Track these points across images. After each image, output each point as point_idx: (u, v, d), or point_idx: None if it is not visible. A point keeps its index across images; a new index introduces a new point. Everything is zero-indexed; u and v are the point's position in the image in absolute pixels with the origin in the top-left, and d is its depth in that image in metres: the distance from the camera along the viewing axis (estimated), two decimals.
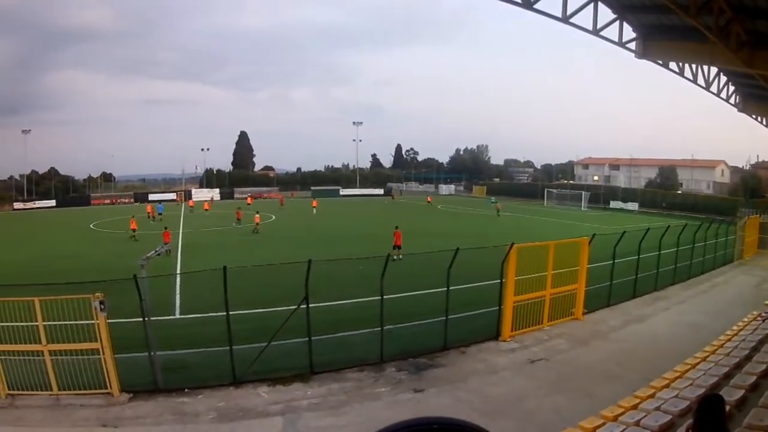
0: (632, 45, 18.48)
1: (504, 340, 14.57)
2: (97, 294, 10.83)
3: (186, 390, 11.46)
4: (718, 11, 13.74)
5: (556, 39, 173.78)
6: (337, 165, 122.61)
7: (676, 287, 21.45)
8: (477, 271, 17.57)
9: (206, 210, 57.40)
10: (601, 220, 46.91)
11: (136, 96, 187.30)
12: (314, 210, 56.38)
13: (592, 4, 16.29)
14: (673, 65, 20.64)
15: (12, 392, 11.04)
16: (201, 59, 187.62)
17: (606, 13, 17.10)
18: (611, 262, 18.64)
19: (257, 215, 40.32)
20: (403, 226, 28.45)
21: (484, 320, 15.30)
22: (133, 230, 36.85)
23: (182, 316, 17.12)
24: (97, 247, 34.57)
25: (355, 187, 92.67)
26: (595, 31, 16.80)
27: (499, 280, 15.12)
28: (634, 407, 7.28)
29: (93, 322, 11.00)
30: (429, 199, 73.79)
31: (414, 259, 15.94)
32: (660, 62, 19.90)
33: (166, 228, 33.11)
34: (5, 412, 10.66)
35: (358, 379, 12.20)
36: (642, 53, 18.51)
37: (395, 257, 22.97)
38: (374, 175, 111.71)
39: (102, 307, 10.82)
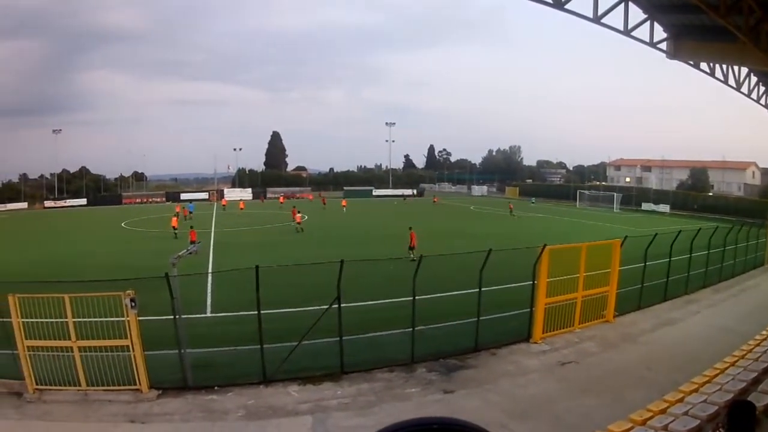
0: (663, 45, 18.27)
1: (535, 342, 14.49)
2: (128, 291, 10.89)
3: (215, 388, 11.53)
4: (747, 11, 13.57)
5: (588, 39, 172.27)
6: (370, 165, 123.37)
7: (707, 290, 21.09)
8: (509, 272, 17.45)
9: (241, 209, 57.84)
10: (633, 222, 46.53)
11: (167, 96, 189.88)
12: (344, 209, 56.99)
13: (622, 4, 16.20)
14: (703, 66, 20.37)
15: (40, 387, 11.17)
16: (232, 60, 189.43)
17: (636, 14, 16.94)
18: (642, 264, 18.41)
19: (299, 214, 40.97)
20: (432, 227, 28.36)
21: (516, 322, 15.21)
22: (174, 228, 37.76)
23: (213, 315, 17.25)
24: (129, 245, 35.02)
25: (388, 188, 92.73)
26: (626, 32, 16.67)
27: (529, 282, 15.01)
28: (663, 411, 7.23)
29: (123, 319, 11.06)
30: (435, 200, 74.26)
31: (446, 261, 15.80)
32: (691, 63, 19.64)
33: (192, 227, 33.50)
34: (33, 407, 10.84)
35: (388, 379, 12.18)
36: (673, 54, 18.31)
37: (412, 258, 22.96)
38: (407, 175, 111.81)
39: (133, 304, 10.89)
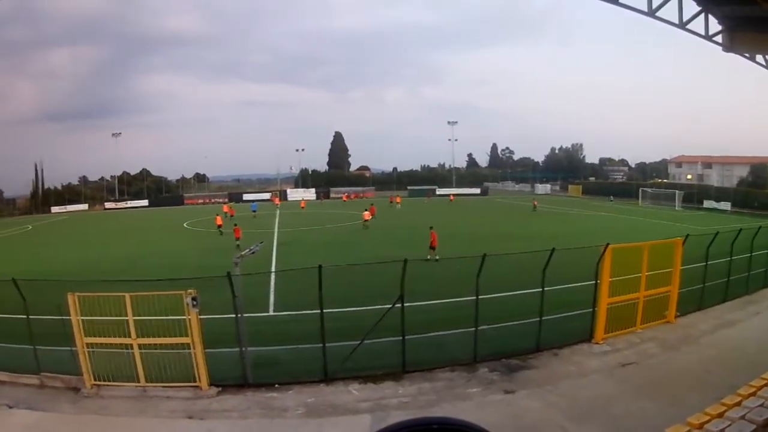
0: (719, 38, 17.85)
1: (597, 343, 14.35)
2: (189, 291, 11.02)
3: (276, 385, 11.69)
4: None
5: (646, 34, 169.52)
6: (433, 165, 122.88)
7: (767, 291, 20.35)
8: (571, 271, 17.28)
9: (302, 208, 59.00)
10: (694, 220, 45.71)
11: (229, 98, 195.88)
12: (398, 206, 58.54)
13: None
14: (759, 58, 19.80)
15: (97, 383, 11.37)
16: (293, 61, 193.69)
17: (691, 6, 16.64)
18: (704, 264, 18.03)
19: (366, 212, 42.49)
20: (495, 228, 28.03)
21: (578, 322, 15.07)
22: (219, 226, 40.13)
23: (276, 313, 17.49)
24: (191, 244, 35.99)
25: (452, 187, 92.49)
26: (681, 25, 16.38)
27: (591, 282, 14.87)
28: (720, 415, 7.12)
29: (184, 317, 11.17)
30: (452, 198, 75.07)
31: (509, 260, 15.67)
32: (746, 55, 19.13)
33: (236, 225, 34.01)
34: (90, 401, 11.11)
35: (449, 378, 12.18)
36: (729, 46, 17.91)
37: (435, 258, 22.81)
38: (470, 174, 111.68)
39: (194, 303, 11.02)
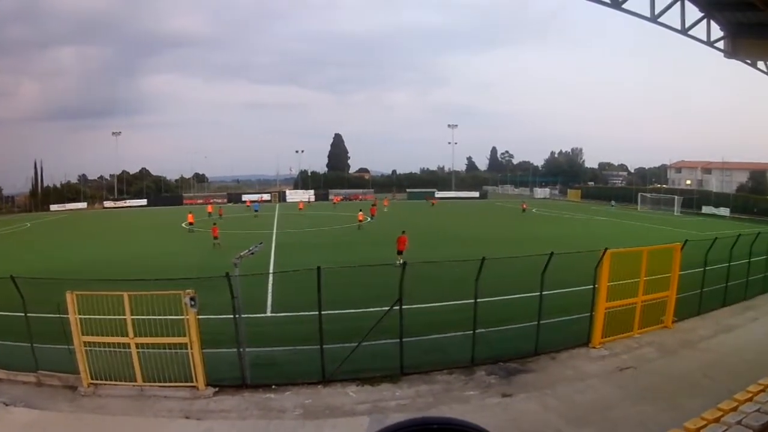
0: (721, 44, 17.88)
1: (594, 347, 14.37)
2: (187, 291, 11.02)
3: (273, 386, 11.69)
4: None
5: (648, 39, 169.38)
6: (433, 167, 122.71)
7: (766, 296, 20.45)
8: (569, 276, 17.24)
9: (300, 210, 59.08)
10: (693, 226, 45.86)
11: (230, 99, 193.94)
12: (385, 208, 58.32)
13: (679, 3, 15.94)
14: (761, 65, 19.85)
15: (95, 381, 11.38)
16: (296, 63, 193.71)
17: (693, 12, 16.66)
18: (702, 269, 18.06)
19: (360, 213, 43.40)
20: (493, 231, 27.89)
21: (576, 326, 15.10)
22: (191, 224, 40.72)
23: (273, 314, 17.55)
24: (189, 244, 36.20)
25: (451, 190, 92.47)
26: (684, 31, 16.41)
27: (589, 286, 14.89)
28: (717, 420, 7.17)
29: (183, 317, 11.16)
30: (433, 202, 74.31)
31: (507, 263, 15.69)
32: (748, 62, 19.16)
33: (215, 224, 34.07)
34: (87, 400, 11.13)
35: (447, 381, 12.19)
36: (731, 52, 17.94)
37: (399, 262, 22.83)
38: (470, 177, 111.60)
39: (192, 303, 11.02)
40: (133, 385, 11.33)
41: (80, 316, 11.38)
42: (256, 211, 56.60)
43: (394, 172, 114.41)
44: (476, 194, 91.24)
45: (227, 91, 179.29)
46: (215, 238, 32.44)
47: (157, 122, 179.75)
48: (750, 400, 7.90)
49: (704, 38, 16.97)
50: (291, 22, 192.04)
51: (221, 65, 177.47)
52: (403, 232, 27.02)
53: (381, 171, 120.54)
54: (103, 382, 11.44)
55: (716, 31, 17.36)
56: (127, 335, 11.34)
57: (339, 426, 10.08)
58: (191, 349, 11.27)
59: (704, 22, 16.81)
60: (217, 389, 11.44)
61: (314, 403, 10.94)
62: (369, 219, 43.88)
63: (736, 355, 13.58)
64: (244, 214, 57.21)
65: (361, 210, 44.79)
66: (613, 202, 75.98)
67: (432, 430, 1.16)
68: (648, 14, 15.50)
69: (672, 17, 15.97)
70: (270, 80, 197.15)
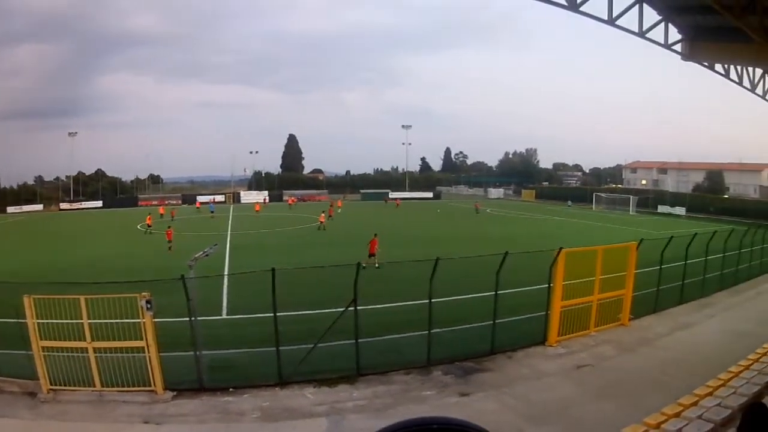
0: (678, 47, 18.21)
1: (551, 345, 14.45)
2: (143, 293, 10.91)
3: (231, 389, 11.56)
4: (762, 11, 13.49)
5: (604, 41, 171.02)
6: (387, 168, 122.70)
7: (723, 294, 20.94)
8: (524, 275, 17.31)
9: (257, 212, 58.38)
10: (649, 225, 46.58)
11: (185, 99, 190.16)
12: (339, 209, 58.08)
13: (637, 6, 16.20)
14: (718, 67, 20.27)
15: (54, 387, 11.20)
16: (252, 63, 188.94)
17: (651, 15, 16.92)
18: (658, 267, 18.31)
19: (322, 214, 43.47)
20: (446, 231, 28.05)
21: (531, 325, 15.19)
22: (149, 226, 40.98)
23: (229, 317, 17.36)
24: (144, 247, 35.49)
25: (405, 191, 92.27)
26: (641, 33, 16.66)
27: (545, 285, 14.98)
28: (677, 415, 7.20)
29: (139, 320, 11.08)
30: (397, 203, 73.85)
31: (463, 263, 15.80)
32: (706, 64, 19.56)
33: (169, 227, 33.76)
34: (47, 407, 10.89)
35: (404, 381, 12.17)
36: (688, 55, 18.27)
37: (374, 265, 23.03)
38: (424, 178, 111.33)
39: (149, 306, 10.91)
40: (92, 390, 11.14)
41: (38, 321, 11.20)
42: (212, 212, 56.93)
43: (348, 172, 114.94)
44: (430, 195, 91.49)
45: (182, 91, 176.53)
46: (168, 241, 32.08)
47: (112, 122, 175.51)
48: (710, 394, 7.97)
49: (662, 41, 17.28)
50: (246, 22, 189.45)
51: (176, 65, 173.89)
52: (375, 235, 26.90)
53: (335, 172, 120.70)
54: (63, 387, 11.21)
55: (674, 34, 17.69)
56: (84, 339, 11.22)
57: (297, 428, 10.06)
58: (148, 352, 11.13)
59: (662, 25, 17.10)
60: (175, 393, 11.25)
61: (272, 406, 10.86)
62: (329, 219, 43.79)
63: (693, 352, 13.78)
64: (199, 216, 57.03)
65: (323, 211, 45.12)
66: (569, 202, 76.93)
67: (432, 430, 1.19)
68: (605, 17, 15.70)
69: (630, 20, 16.19)
70: (224, 80, 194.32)
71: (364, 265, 22.77)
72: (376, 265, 23.74)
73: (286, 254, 29.47)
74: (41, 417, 10.48)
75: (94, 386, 11.15)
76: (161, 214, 52.79)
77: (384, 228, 33.14)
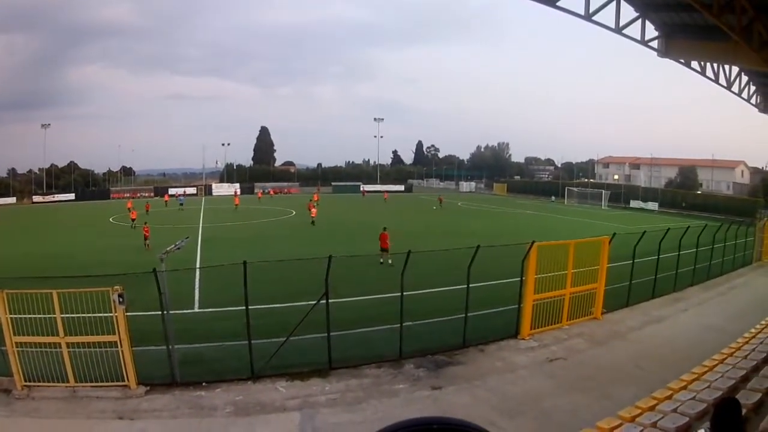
0: (655, 44, 18.32)
1: (523, 339, 14.51)
2: (115, 287, 10.83)
3: (203, 384, 11.50)
4: (740, 10, 13.60)
5: (580, 37, 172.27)
6: (358, 161, 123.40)
7: (695, 288, 21.21)
8: (496, 269, 17.46)
9: (236, 206, 57.42)
10: (622, 220, 46.66)
11: (158, 91, 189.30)
12: (316, 203, 57.38)
13: (614, 2, 16.23)
14: (695, 64, 20.44)
15: (28, 383, 11.10)
16: (225, 56, 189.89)
17: (628, 12, 16.97)
18: (631, 261, 18.48)
19: (314, 209, 42.90)
20: (418, 224, 28.01)
21: (504, 318, 15.23)
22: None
23: (201, 310, 17.18)
24: (116, 240, 35.00)
25: (376, 183, 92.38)
26: (618, 29, 16.71)
27: (517, 279, 15.04)
28: (651, 408, 7.22)
29: (111, 315, 11.01)
30: (385, 196, 71.84)
31: (433, 257, 15.85)
32: (682, 61, 19.70)
33: (146, 223, 33.44)
34: (22, 404, 10.76)
35: (376, 375, 12.16)
36: (664, 52, 18.37)
37: (388, 261, 22.46)
38: (395, 171, 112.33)
39: (121, 300, 10.81)
40: (66, 386, 11.02)
41: (11, 316, 11.11)
42: (181, 204, 57.26)
43: (319, 165, 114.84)
44: (401, 188, 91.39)
45: (154, 83, 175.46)
46: (146, 238, 31.52)
47: (85, 114, 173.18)
48: (684, 388, 8.02)
49: (638, 37, 17.37)
50: (218, 14, 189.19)
51: (148, 57, 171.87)
52: (385, 228, 25.51)
53: (306, 164, 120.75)
54: (37, 383, 11.12)
55: (651, 31, 17.79)
56: (57, 334, 11.14)
57: (270, 422, 10.06)
58: (121, 347, 11.07)
59: (639, 21, 17.19)
60: (148, 388, 11.16)
61: (245, 400, 10.81)
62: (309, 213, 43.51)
63: (666, 346, 13.93)
64: (169, 209, 56.47)
65: (314, 206, 44.51)
66: (553, 197, 76.52)
67: (432, 430, 1.21)
68: (582, 12, 15.74)
69: (607, 16, 16.24)
70: (196, 72, 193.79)
71: (381, 260, 22.67)
72: (390, 261, 22.29)
73: (256, 247, 29.00)
74: (15, 414, 10.37)
75: (68, 382, 11.06)
76: (128, 208, 51.53)
77: (356, 222, 32.97)
